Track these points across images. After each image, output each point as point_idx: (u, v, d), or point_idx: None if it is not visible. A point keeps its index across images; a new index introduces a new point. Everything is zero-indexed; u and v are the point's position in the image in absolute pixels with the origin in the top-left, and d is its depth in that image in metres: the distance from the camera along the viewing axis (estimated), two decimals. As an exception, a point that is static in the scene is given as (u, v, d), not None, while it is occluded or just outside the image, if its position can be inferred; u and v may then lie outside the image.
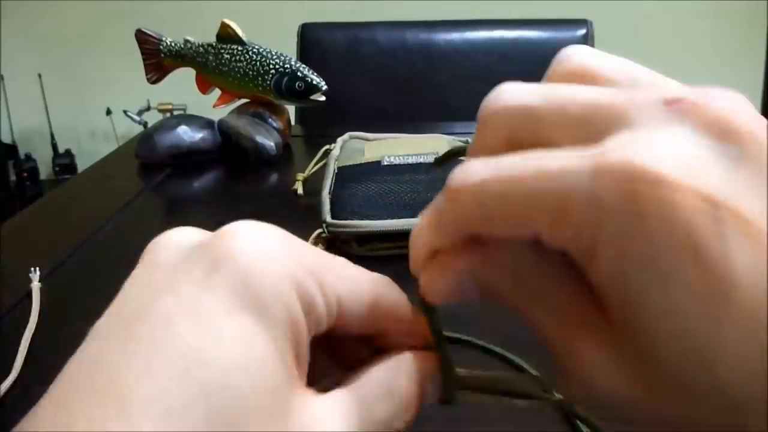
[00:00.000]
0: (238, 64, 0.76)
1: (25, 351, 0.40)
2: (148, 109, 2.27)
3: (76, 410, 0.13)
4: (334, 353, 0.20)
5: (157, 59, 0.81)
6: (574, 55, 0.19)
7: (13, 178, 2.45)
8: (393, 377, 0.18)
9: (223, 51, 0.77)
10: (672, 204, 0.13)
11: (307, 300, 0.16)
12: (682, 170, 0.13)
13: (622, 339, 0.15)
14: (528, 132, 0.16)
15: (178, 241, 0.17)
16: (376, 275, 0.19)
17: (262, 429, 0.14)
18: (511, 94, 0.17)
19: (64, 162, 2.43)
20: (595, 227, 0.14)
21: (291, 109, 0.88)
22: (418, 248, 0.18)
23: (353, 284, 0.18)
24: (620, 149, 0.14)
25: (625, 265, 0.14)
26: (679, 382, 0.14)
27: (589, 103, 0.15)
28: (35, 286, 0.46)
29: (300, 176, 0.68)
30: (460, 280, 0.17)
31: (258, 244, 0.16)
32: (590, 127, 0.15)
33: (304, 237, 0.48)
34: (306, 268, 0.16)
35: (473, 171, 0.16)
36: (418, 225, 0.18)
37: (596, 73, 0.17)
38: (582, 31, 1.14)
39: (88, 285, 0.49)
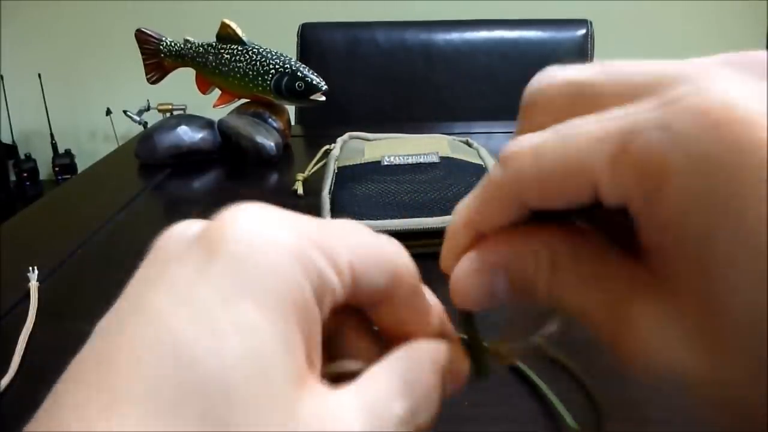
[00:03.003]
0: (238, 64, 0.76)
1: (23, 350, 0.40)
2: (148, 109, 2.27)
3: (69, 409, 0.13)
4: (350, 342, 0.19)
5: (157, 59, 0.81)
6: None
7: (13, 178, 2.45)
8: (411, 367, 0.17)
9: (223, 51, 0.77)
10: (754, 135, 0.12)
11: (317, 277, 0.15)
12: (762, 110, 0.12)
13: (683, 299, 0.14)
14: (585, 107, 0.16)
15: (181, 232, 0.16)
16: (389, 240, 0.18)
17: (262, 428, 0.13)
18: (561, 71, 0.17)
19: (64, 162, 2.43)
20: (663, 158, 0.13)
21: (291, 109, 0.88)
22: (455, 240, 0.18)
23: (368, 251, 0.17)
24: (691, 90, 0.13)
25: (695, 200, 0.13)
26: (752, 342, 0.13)
27: (655, 70, 0.15)
28: (33, 285, 0.46)
29: (300, 176, 0.68)
30: (491, 281, 0.17)
31: (257, 226, 0.15)
32: (660, 90, 0.14)
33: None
34: (313, 242, 0.15)
35: (529, 138, 0.16)
36: (454, 220, 0.18)
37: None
38: (582, 31, 1.14)
39: (88, 285, 0.49)
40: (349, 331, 0.19)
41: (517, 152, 0.16)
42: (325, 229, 0.16)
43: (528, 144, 0.16)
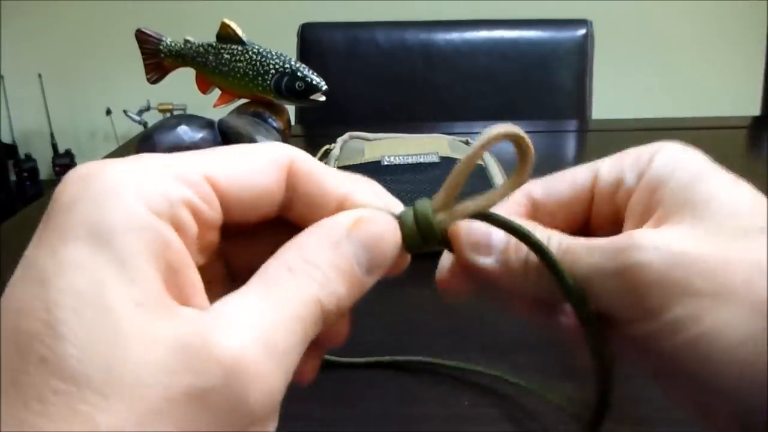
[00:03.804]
0: (238, 64, 0.76)
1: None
2: (148, 109, 2.27)
3: None
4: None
5: (157, 59, 0.81)
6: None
7: (13, 178, 2.45)
8: (317, 255, 0.16)
9: (223, 51, 0.77)
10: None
11: (160, 195, 0.15)
12: None
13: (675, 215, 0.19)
14: None
15: None
16: (277, 146, 0.18)
17: (104, 356, 0.13)
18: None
19: (64, 162, 2.43)
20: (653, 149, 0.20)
21: (291, 109, 0.88)
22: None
23: (236, 159, 0.17)
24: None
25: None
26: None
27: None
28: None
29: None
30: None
31: (82, 176, 0.15)
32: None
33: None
34: (152, 169, 0.16)
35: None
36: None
37: None
38: (582, 31, 1.14)
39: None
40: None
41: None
42: (175, 157, 0.16)
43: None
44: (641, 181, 0.20)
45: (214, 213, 0.16)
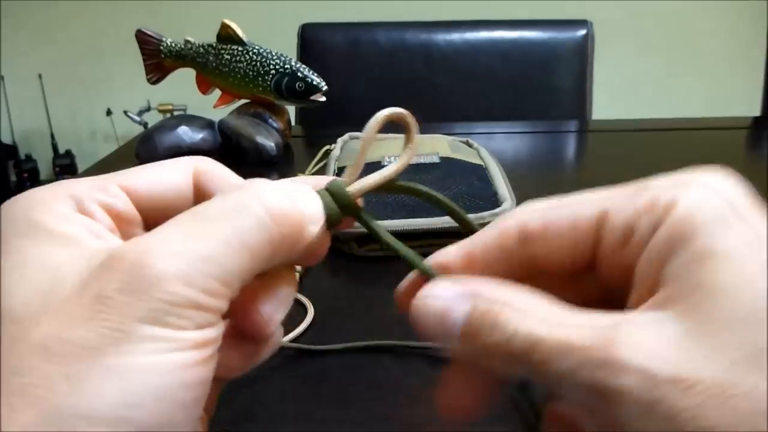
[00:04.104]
0: (239, 65, 0.76)
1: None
2: (149, 109, 2.27)
3: None
4: None
5: (158, 60, 0.81)
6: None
7: (13, 178, 2.45)
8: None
9: (223, 51, 0.77)
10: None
11: (74, 199, 0.18)
12: None
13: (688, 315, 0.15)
14: None
15: None
16: (187, 159, 0.22)
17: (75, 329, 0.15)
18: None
19: (65, 162, 2.43)
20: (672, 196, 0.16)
21: (291, 110, 0.88)
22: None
23: (149, 171, 0.21)
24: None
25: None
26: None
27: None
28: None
29: (300, 177, 0.68)
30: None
31: (21, 197, 0.18)
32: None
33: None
34: (76, 184, 0.19)
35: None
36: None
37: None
38: (582, 32, 1.14)
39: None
40: None
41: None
42: (98, 178, 0.20)
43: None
44: (653, 240, 0.16)
45: (125, 207, 0.19)
